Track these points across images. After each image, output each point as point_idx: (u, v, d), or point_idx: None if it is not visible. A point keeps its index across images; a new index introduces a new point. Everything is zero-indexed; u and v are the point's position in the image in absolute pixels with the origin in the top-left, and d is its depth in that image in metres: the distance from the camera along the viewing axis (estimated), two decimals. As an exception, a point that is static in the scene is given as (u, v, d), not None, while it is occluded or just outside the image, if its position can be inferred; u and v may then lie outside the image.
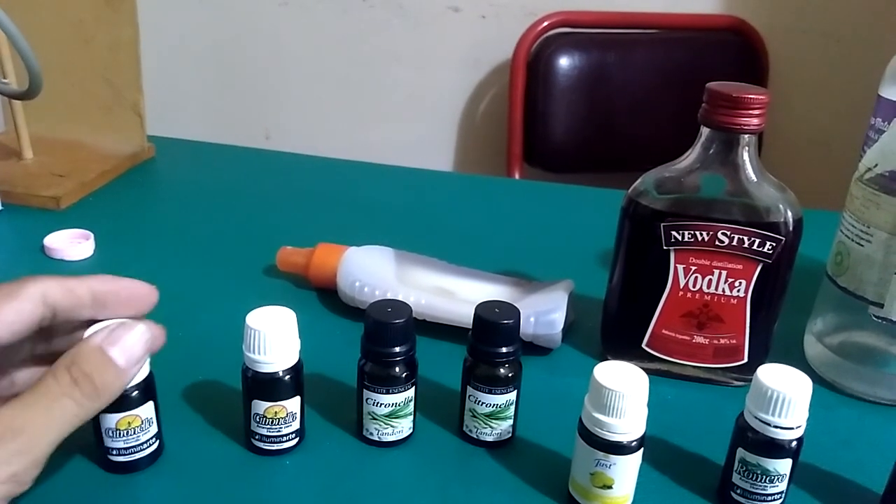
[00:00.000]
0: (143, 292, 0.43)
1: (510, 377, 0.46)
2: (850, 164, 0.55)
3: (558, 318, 0.55)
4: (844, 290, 0.53)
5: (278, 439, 0.45)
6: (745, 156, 0.49)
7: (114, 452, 0.43)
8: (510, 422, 0.47)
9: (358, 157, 0.97)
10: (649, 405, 0.41)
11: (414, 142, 1.57)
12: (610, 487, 0.41)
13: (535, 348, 0.56)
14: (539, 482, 0.45)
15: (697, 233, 0.50)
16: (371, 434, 0.47)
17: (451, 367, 0.49)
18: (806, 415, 0.41)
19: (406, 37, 1.50)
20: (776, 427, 0.41)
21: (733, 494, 0.43)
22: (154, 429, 0.44)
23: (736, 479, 0.43)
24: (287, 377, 0.44)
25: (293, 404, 0.45)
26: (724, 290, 0.51)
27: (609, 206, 0.57)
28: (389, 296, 0.57)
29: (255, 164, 0.94)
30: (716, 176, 0.50)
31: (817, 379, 0.55)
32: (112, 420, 0.42)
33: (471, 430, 0.48)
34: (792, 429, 0.41)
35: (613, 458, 0.40)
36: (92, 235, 0.70)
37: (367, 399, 0.46)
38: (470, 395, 0.47)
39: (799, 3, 1.41)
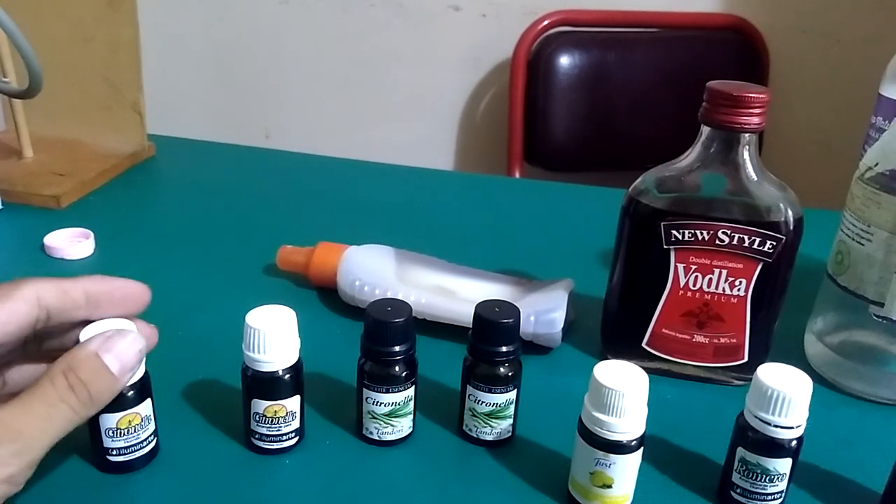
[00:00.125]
0: (136, 292, 0.43)
1: (510, 376, 0.46)
2: (851, 163, 0.55)
3: (558, 317, 0.55)
4: (845, 290, 0.53)
5: (278, 438, 0.45)
6: (746, 155, 0.49)
7: (113, 452, 0.43)
8: (510, 421, 0.47)
9: (358, 156, 0.97)
10: (649, 404, 0.41)
11: (414, 141, 1.57)
12: (610, 487, 0.41)
13: (535, 347, 0.56)
14: (539, 481, 0.45)
15: (698, 232, 0.50)
16: (371, 433, 0.47)
17: (450, 367, 0.49)
18: (806, 414, 0.41)
19: (406, 36, 1.50)
20: (776, 426, 0.40)
21: (733, 494, 0.43)
22: (152, 426, 0.44)
23: (736, 478, 0.43)
24: (287, 376, 0.44)
25: (293, 403, 0.45)
26: (724, 290, 0.51)
27: (609, 205, 0.57)
28: (389, 295, 0.57)
29: (255, 164, 0.94)
30: (716, 175, 0.50)
31: (817, 378, 0.55)
32: (112, 420, 0.41)
33: (471, 430, 0.48)
34: (792, 428, 0.41)
35: (613, 457, 0.40)
36: (92, 234, 0.70)
37: (366, 398, 0.46)
38: (470, 395, 0.47)
39: (799, 3, 1.41)
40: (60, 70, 0.82)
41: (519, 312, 0.46)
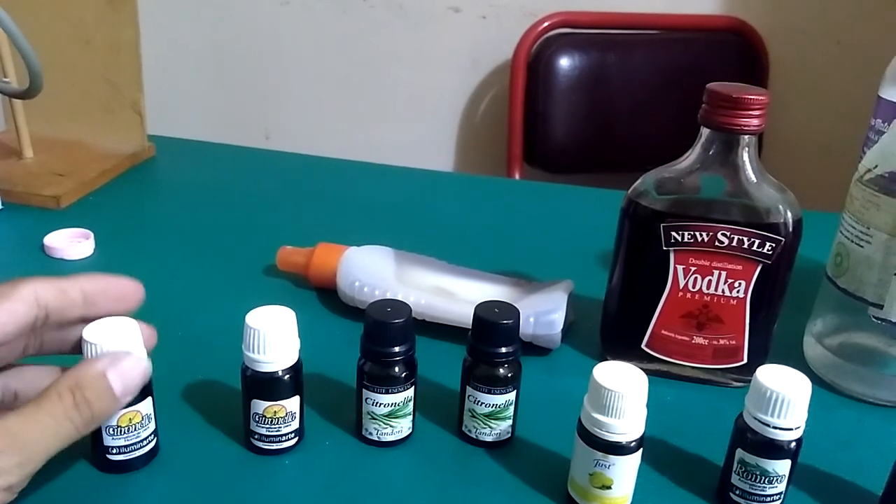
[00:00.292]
0: (130, 289, 0.43)
1: (509, 377, 0.46)
2: (850, 165, 0.55)
3: (558, 318, 0.55)
4: (844, 292, 0.53)
5: (278, 439, 0.45)
6: (745, 156, 0.49)
7: (113, 451, 0.43)
8: (509, 422, 0.47)
9: (358, 157, 0.97)
10: (648, 406, 0.41)
11: (414, 142, 1.57)
12: (609, 488, 0.41)
13: (534, 348, 0.56)
14: (538, 482, 0.45)
15: (697, 233, 0.50)
16: (370, 434, 0.47)
17: (450, 367, 0.49)
18: (805, 416, 0.41)
19: (406, 37, 1.51)
20: (775, 428, 0.41)
21: (732, 495, 0.43)
22: (153, 425, 0.44)
23: (735, 479, 0.43)
24: (286, 377, 0.44)
25: (292, 404, 0.45)
26: (723, 291, 0.51)
27: (609, 206, 0.57)
28: (389, 296, 0.57)
29: (255, 164, 0.94)
30: (716, 177, 0.50)
31: (817, 380, 0.55)
32: (113, 417, 0.42)
33: (470, 431, 0.48)
34: (791, 430, 0.41)
35: (612, 458, 0.40)
36: (92, 235, 0.70)
37: (366, 399, 0.46)
38: (469, 396, 0.47)
39: (799, 5, 1.41)
40: (61, 70, 0.82)
41: (518, 313, 0.46)
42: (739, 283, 0.51)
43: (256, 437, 0.45)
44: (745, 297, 0.51)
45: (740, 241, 0.49)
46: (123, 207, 0.79)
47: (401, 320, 0.45)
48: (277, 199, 0.84)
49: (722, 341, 0.53)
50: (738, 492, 0.43)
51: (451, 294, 0.59)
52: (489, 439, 0.47)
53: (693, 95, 0.53)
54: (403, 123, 1.57)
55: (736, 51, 1.40)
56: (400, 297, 0.56)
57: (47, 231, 0.69)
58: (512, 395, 0.47)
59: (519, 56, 1.38)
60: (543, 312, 0.55)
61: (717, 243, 0.50)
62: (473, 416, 0.47)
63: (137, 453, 0.43)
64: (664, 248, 0.51)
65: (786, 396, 0.40)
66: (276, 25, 1.53)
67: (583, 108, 1.40)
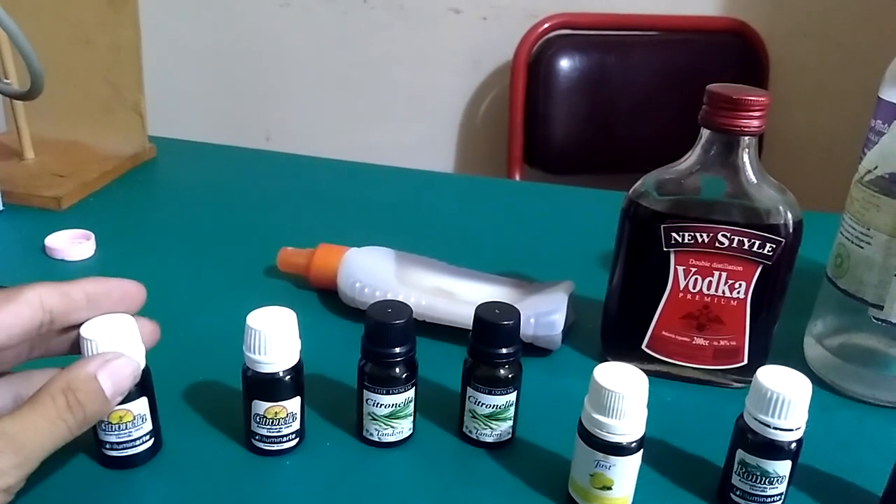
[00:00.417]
0: (133, 290, 0.43)
1: (510, 378, 0.46)
2: (851, 166, 0.56)
3: (558, 319, 0.55)
4: (844, 292, 0.53)
5: (278, 440, 0.45)
6: (746, 157, 0.49)
7: (107, 446, 0.43)
8: (510, 423, 0.47)
9: (358, 158, 0.97)
10: (649, 406, 0.41)
11: (414, 143, 1.57)
12: (609, 488, 0.41)
13: (535, 349, 0.56)
14: (539, 483, 0.45)
15: (697, 234, 0.50)
16: (371, 435, 0.47)
17: (451, 368, 0.49)
18: (805, 417, 0.41)
19: (407, 38, 1.51)
20: (776, 429, 0.41)
21: (733, 496, 0.43)
22: (148, 426, 0.44)
23: (735, 480, 0.43)
24: (287, 377, 0.44)
25: (293, 405, 0.45)
26: (724, 292, 0.51)
27: (609, 207, 0.57)
28: (390, 297, 0.57)
29: (256, 165, 0.95)
30: (716, 178, 0.50)
31: (817, 381, 0.55)
32: None
33: (471, 431, 0.48)
34: (791, 430, 0.41)
35: (613, 459, 0.40)
36: (93, 236, 0.70)
37: (367, 400, 0.46)
38: (470, 396, 0.47)
39: (799, 6, 1.41)
40: (61, 71, 0.82)
41: (519, 314, 0.46)
42: (740, 284, 0.51)
43: (257, 437, 0.45)
44: (745, 298, 0.51)
45: (741, 242, 0.49)
46: (124, 208, 0.79)
47: (401, 321, 0.45)
48: (278, 200, 0.84)
49: (722, 342, 0.53)
50: (738, 492, 0.43)
51: (451, 295, 0.59)
52: (490, 440, 0.47)
53: (693, 97, 0.53)
54: (404, 124, 1.57)
55: (736, 52, 1.40)
56: (401, 298, 0.56)
57: (48, 232, 0.69)
58: (512, 396, 0.47)
59: (519, 57, 1.38)
60: (544, 313, 0.55)
61: (717, 244, 0.50)
62: (474, 417, 0.47)
63: (131, 451, 0.43)
64: (664, 249, 0.51)
65: (786, 397, 0.40)
66: (276, 26, 1.54)
67: (583, 109, 1.40)
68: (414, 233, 0.75)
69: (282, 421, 0.45)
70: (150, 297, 0.44)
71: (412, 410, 0.47)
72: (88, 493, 0.43)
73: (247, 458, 0.46)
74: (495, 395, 0.46)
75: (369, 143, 1.55)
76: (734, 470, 0.43)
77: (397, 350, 0.45)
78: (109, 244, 0.70)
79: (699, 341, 0.53)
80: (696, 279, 0.51)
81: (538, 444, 0.48)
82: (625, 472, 0.41)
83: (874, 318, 0.52)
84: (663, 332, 0.53)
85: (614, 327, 0.56)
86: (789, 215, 0.49)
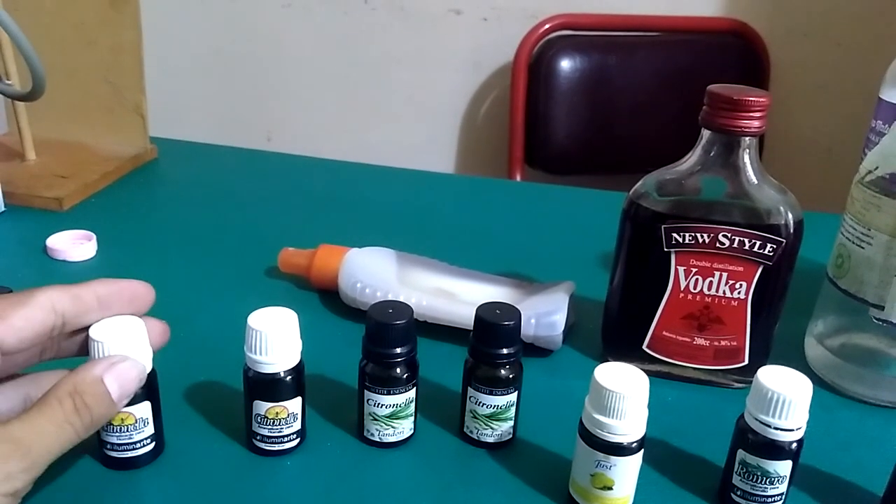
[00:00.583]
0: (142, 291, 0.44)
1: (511, 378, 0.46)
2: (851, 166, 0.56)
3: (559, 319, 0.55)
4: (845, 293, 0.53)
5: (279, 440, 0.45)
6: (746, 158, 0.49)
7: (108, 447, 0.43)
8: (511, 423, 0.47)
9: (359, 158, 0.97)
10: (650, 407, 0.41)
11: (415, 144, 1.57)
12: (610, 489, 0.41)
13: (535, 350, 0.56)
14: (539, 483, 0.45)
15: (698, 235, 0.50)
16: (372, 435, 0.47)
17: (451, 369, 0.49)
18: (806, 417, 0.41)
19: (407, 39, 1.51)
20: (776, 429, 0.41)
21: (733, 496, 0.43)
22: (150, 430, 0.44)
23: (736, 480, 0.43)
24: (288, 378, 0.44)
25: (294, 405, 0.45)
26: (724, 292, 0.51)
27: (610, 208, 0.57)
28: (391, 297, 0.57)
29: (257, 166, 0.95)
30: (716, 178, 0.50)
31: (818, 381, 0.55)
32: None
33: (471, 431, 0.48)
34: (792, 430, 0.41)
35: (614, 459, 0.40)
36: (94, 236, 0.70)
37: (368, 400, 0.46)
38: (471, 397, 0.47)
39: (800, 7, 1.41)
40: (63, 72, 0.82)
41: (520, 315, 0.46)
42: (740, 285, 0.51)
43: (258, 437, 0.45)
44: (746, 299, 0.51)
45: (741, 243, 0.49)
46: (126, 209, 0.79)
47: (402, 321, 0.45)
48: (279, 200, 0.84)
49: (723, 342, 0.53)
50: (739, 492, 0.43)
51: (452, 295, 0.59)
52: (490, 440, 0.48)
53: (694, 97, 0.53)
54: (405, 125, 1.58)
55: (737, 53, 1.40)
56: (401, 299, 0.56)
57: (50, 233, 0.69)
58: (513, 396, 0.47)
59: (520, 58, 1.39)
60: (545, 314, 0.55)
61: (718, 245, 0.50)
62: (475, 417, 0.47)
63: (132, 454, 0.43)
64: (665, 250, 0.51)
65: (787, 397, 0.40)
66: (277, 27, 1.54)
67: (584, 109, 1.40)
68: (415, 233, 0.75)
69: (283, 421, 0.45)
70: (152, 297, 0.44)
71: (413, 411, 0.47)
72: (90, 493, 0.43)
73: (248, 458, 0.46)
74: (496, 395, 0.46)
75: (370, 143, 1.56)
76: (735, 470, 0.43)
77: (398, 350, 0.45)
78: (111, 245, 0.70)
79: (700, 341, 0.53)
80: (697, 279, 0.51)
81: (539, 445, 0.48)
82: (625, 473, 0.41)
83: (875, 318, 0.52)
84: (664, 333, 0.53)
85: (615, 327, 0.56)
86: (790, 216, 0.50)
